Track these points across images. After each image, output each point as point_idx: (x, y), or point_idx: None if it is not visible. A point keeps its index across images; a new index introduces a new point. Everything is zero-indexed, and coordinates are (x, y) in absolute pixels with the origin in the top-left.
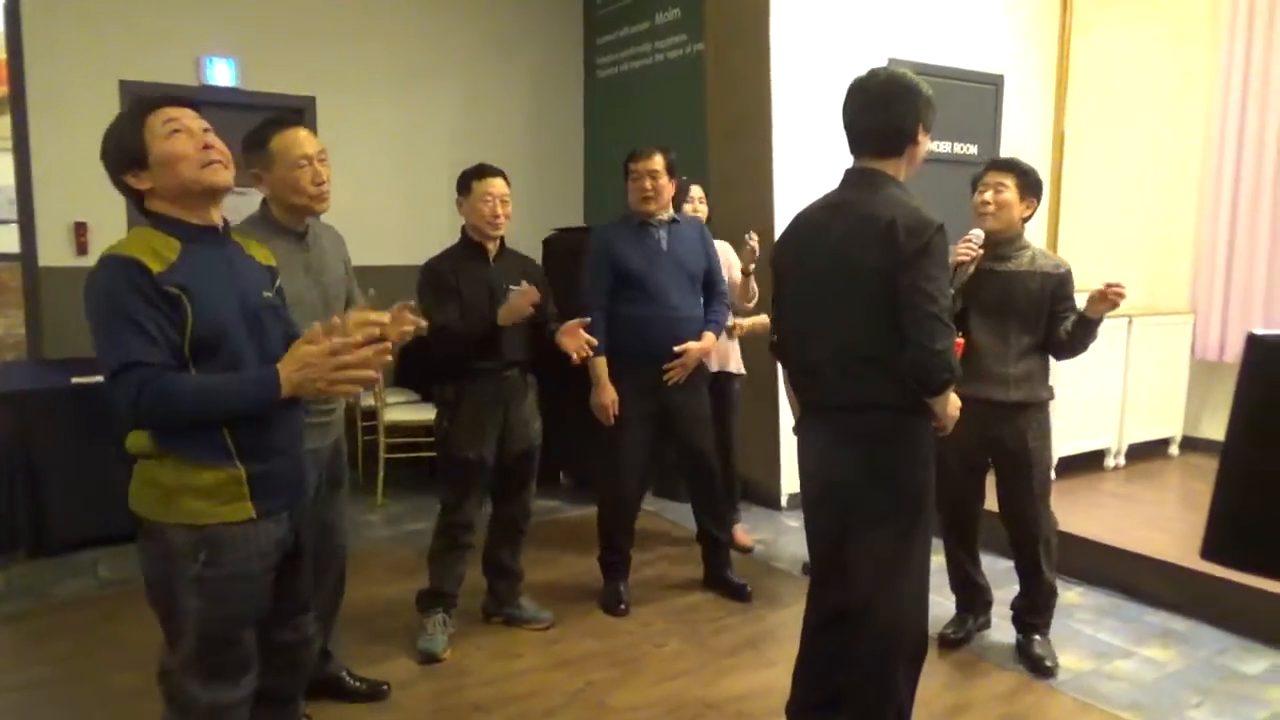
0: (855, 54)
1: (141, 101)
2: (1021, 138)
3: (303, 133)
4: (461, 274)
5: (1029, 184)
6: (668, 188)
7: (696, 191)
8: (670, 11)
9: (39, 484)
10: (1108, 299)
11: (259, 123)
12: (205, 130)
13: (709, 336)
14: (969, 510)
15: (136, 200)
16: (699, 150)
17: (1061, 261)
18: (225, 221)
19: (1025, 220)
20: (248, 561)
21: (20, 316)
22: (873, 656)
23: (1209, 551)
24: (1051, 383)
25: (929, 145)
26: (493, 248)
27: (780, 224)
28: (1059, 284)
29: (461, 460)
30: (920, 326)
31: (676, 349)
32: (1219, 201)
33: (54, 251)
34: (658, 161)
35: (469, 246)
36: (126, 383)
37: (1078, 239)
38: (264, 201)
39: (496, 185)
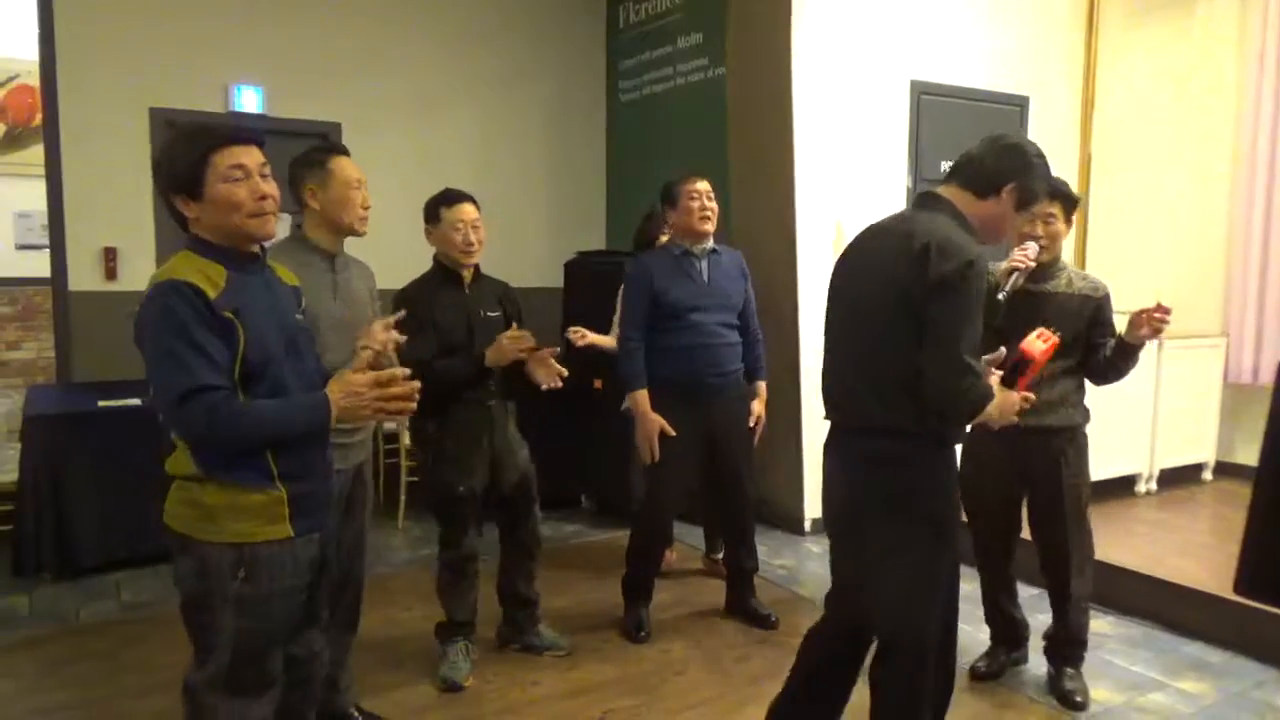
0: (878, 76)
1: (209, 133)
2: (1048, 159)
3: (352, 161)
4: (437, 302)
5: (1072, 207)
6: (717, 211)
7: None
8: (693, 36)
9: (64, 507)
10: (1149, 325)
11: (307, 147)
12: (264, 175)
13: (762, 387)
14: (1003, 542)
15: (180, 220)
16: (721, 173)
17: (1100, 284)
18: (263, 248)
19: None
20: (284, 579)
21: (52, 339)
22: (900, 685)
23: (1243, 586)
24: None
25: (1014, 220)
26: (468, 274)
27: (802, 247)
28: (1097, 308)
29: (453, 497)
30: (939, 363)
31: (752, 424)
32: (1250, 223)
33: (84, 276)
34: (707, 184)
35: (443, 274)
36: (197, 406)
37: (1106, 261)
38: (297, 225)
39: (467, 211)
